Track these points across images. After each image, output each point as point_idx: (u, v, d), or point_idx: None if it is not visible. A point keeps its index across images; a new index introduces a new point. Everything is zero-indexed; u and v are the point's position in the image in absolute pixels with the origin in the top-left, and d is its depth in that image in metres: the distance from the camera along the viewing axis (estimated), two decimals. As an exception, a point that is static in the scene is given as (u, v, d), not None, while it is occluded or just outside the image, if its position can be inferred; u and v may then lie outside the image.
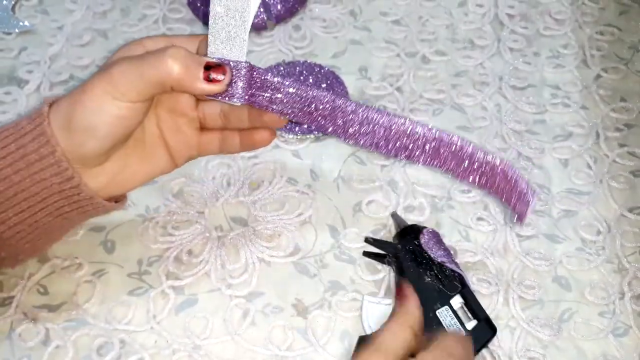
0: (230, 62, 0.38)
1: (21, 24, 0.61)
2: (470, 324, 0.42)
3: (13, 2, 0.63)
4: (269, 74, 0.38)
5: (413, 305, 0.37)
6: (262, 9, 0.60)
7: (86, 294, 0.45)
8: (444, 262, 0.43)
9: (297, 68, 0.57)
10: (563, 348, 0.44)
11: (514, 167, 0.35)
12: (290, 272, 0.46)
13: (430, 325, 0.41)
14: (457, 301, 0.42)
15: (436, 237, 0.45)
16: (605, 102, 0.57)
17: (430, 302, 0.42)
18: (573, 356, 0.43)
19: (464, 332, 0.41)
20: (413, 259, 0.43)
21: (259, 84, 0.38)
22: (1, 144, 0.37)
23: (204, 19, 0.61)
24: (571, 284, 0.46)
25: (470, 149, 0.36)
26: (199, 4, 0.61)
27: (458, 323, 0.41)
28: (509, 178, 0.34)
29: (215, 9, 0.38)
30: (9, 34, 0.61)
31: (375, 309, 0.44)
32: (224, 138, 0.43)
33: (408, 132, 0.37)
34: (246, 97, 0.39)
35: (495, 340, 0.43)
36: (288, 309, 0.45)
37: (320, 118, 0.38)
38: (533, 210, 0.33)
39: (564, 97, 0.57)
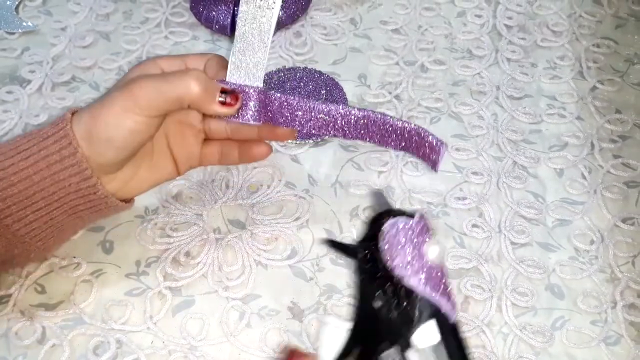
0: (247, 88, 0.41)
1: (24, 24, 0.61)
2: None
3: (17, 2, 0.63)
4: (283, 97, 0.41)
5: None
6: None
7: (84, 293, 0.45)
8: (407, 277, 0.28)
9: (297, 74, 0.57)
10: (555, 355, 0.44)
11: (423, 128, 0.40)
12: (287, 275, 0.47)
13: None
14: (422, 339, 0.28)
15: (418, 230, 0.31)
16: (601, 113, 0.57)
17: (376, 339, 0.28)
18: (565, 364, 0.44)
19: None
20: (368, 270, 0.29)
21: (276, 105, 0.41)
22: (25, 146, 0.39)
23: (206, 22, 0.62)
24: (564, 292, 0.47)
25: (389, 121, 0.40)
26: (201, 8, 0.62)
27: None
28: (422, 136, 0.39)
29: (239, 30, 0.40)
30: (12, 33, 0.61)
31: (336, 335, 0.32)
32: (223, 151, 0.46)
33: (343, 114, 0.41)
34: (261, 118, 0.42)
35: (488, 346, 0.43)
36: (284, 312, 0.45)
37: (334, 130, 0.42)
38: (443, 158, 0.39)
39: (559, 108, 0.57)
